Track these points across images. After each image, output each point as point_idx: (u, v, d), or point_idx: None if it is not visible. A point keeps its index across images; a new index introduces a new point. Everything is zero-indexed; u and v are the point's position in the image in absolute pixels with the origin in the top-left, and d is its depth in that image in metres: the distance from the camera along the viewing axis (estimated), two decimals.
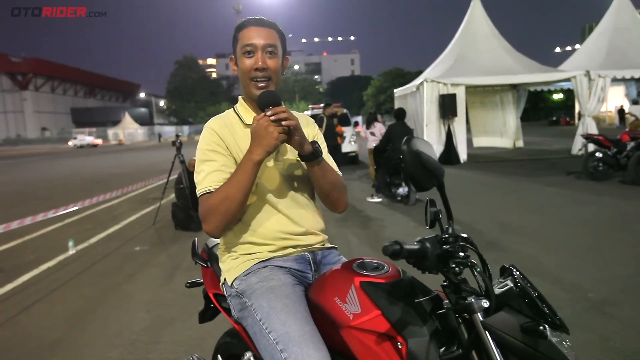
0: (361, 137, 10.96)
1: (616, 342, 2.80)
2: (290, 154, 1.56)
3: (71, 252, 5.52)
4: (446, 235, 1.20)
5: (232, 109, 1.63)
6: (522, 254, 4.67)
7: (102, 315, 3.65)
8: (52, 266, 5.03)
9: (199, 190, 1.44)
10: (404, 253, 1.14)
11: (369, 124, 10.22)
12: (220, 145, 1.49)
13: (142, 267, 4.85)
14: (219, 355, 1.87)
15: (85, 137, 48.92)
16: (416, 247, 1.16)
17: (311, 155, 1.42)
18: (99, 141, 49.52)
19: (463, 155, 13.46)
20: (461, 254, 1.16)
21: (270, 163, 1.52)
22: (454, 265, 1.15)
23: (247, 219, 1.52)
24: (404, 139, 1.22)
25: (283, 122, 1.32)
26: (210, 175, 1.44)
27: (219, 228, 1.40)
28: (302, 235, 1.54)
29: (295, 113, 1.61)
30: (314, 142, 1.44)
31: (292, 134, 1.35)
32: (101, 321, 3.52)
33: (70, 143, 48.65)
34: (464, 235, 1.21)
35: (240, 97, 1.65)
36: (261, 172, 1.49)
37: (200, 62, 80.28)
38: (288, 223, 1.52)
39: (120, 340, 3.17)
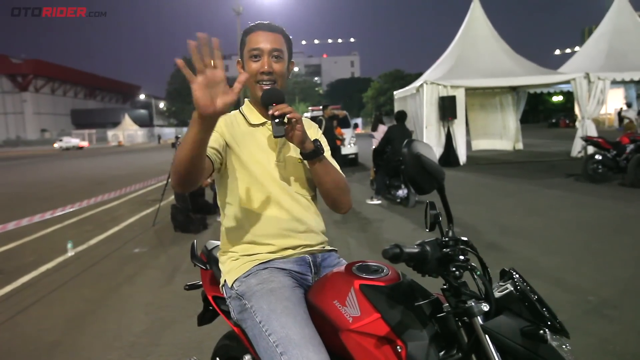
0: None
1: (616, 345, 2.80)
2: (293, 154, 1.57)
3: (70, 253, 5.51)
4: (446, 239, 1.19)
5: (237, 110, 1.66)
6: (522, 256, 4.67)
7: (101, 317, 3.64)
8: (51, 268, 5.02)
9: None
10: (404, 256, 1.14)
11: (374, 126, 10.25)
12: (217, 132, 1.51)
13: (141, 269, 4.84)
14: (217, 358, 1.87)
15: (70, 140, 48.97)
16: (416, 250, 1.16)
17: (313, 152, 1.44)
18: (85, 143, 49.60)
19: (463, 158, 13.46)
20: (461, 257, 1.16)
21: (272, 163, 1.55)
22: (454, 269, 1.14)
23: (248, 216, 1.53)
24: (405, 141, 1.22)
25: (288, 115, 1.34)
26: None
27: (179, 184, 1.33)
28: (302, 233, 1.55)
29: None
30: (316, 140, 1.46)
31: (294, 128, 1.36)
32: (100, 323, 3.52)
33: (55, 145, 48.71)
34: (464, 238, 1.21)
35: (246, 99, 1.68)
36: (263, 172, 1.52)
37: None
38: (289, 220, 1.53)
39: (119, 342, 3.16)
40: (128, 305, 3.85)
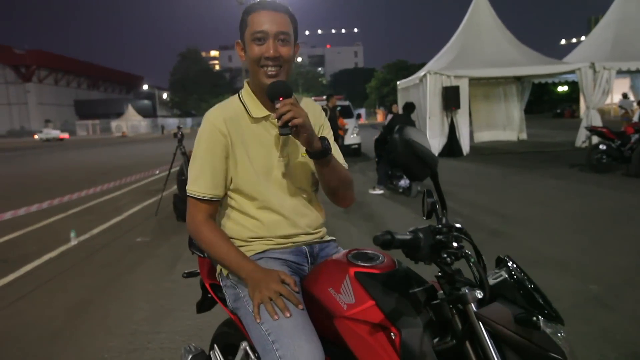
0: None
1: (617, 334, 2.80)
2: (297, 148, 1.49)
3: (73, 243, 5.54)
4: (439, 226, 1.18)
5: (237, 95, 1.53)
6: (525, 245, 4.66)
7: (103, 305, 3.67)
8: (54, 257, 5.05)
9: (189, 189, 1.45)
10: (396, 243, 1.13)
11: (387, 116, 10.35)
12: (220, 143, 1.42)
13: (143, 258, 4.87)
14: (215, 345, 1.87)
15: (50, 131, 49.32)
16: (408, 237, 1.15)
17: (320, 153, 1.35)
18: (65, 135, 49.83)
19: (466, 148, 13.41)
20: (455, 244, 1.15)
21: (275, 160, 1.47)
22: (445, 255, 1.13)
23: (245, 218, 1.49)
24: (396, 128, 1.21)
25: (289, 123, 1.26)
26: (202, 177, 1.43)
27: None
28: (301, 235, 1.52)
29: (303, 100, 1.56)
30: (323, 139, 1.36)
31: (299, 131, 1.29)
32: (102, 311, 3.54)
33: (36, 137, 48.94)
34: (458, 225, 1.20)
35: (246, 81, 1.54)
36: (264, 170, 1.45)
37: (203, 54, 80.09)
38: (289, 226, 1.49)
39: (121, 330, 3.19)
40: (130, 294, 3.87)
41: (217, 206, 1.50)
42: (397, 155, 1.18)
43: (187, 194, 1.46)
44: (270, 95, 1.32)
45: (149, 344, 2.96)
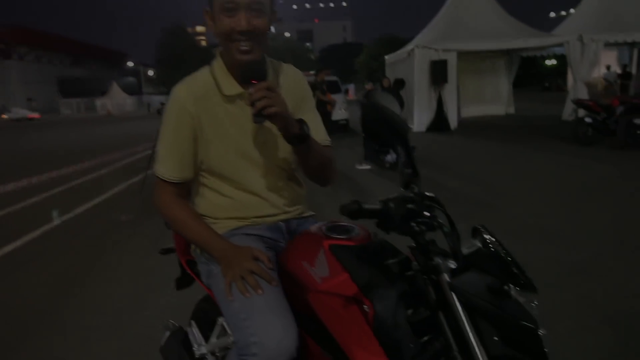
0: None
1: (596, 300, 2.85)
2: (273, 127, 1.37)
3: (56, 222, 5.47)
4: (411, 195, 1.15)
5: (207, 68, 1.40)
6: (510, 216, 4.72)
7: (88, 284, 3.64)
8: (36, 237, 4.99)
9: (156, 170, 1.39)
10: (363, 213, 1.09)
11: None
12: (187, 125, 1.33)
13: (127, 236, 4.82)
14: (193, 321, 1.86)
15: (19, 110, 48.54)
16: (377, 207, 1.12)
17: (297, 139, 1.27)
18: (36, 114, 48.82)
19: (454, 123, 13.39)
20: (427, 213, 1.12)
21: (249, 140, 1.37)
22: (414, 224, 1.11)
23: (222, 198, 1.43)
24: (365, 93, 1.17)
25: (263, 112, 1.17)
26: (169, 159, 1.37)
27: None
28: (279, 214, 1.47)
29: (284, 67, 1.47)
30: (302, 123, 1.27)
31: (274, 119, 1.21)
32: (87, 290, 3.52)
33: (5, 116, 47.97)
34: (430, 194, 1.17)
35: (218, 52, 1.39)
36: (238, 151, 1.37)
37: (189, 30, 78.42)
38: (266, 206, 1.43)
39: (106, 308, 3.17)
40: (114, 272, 3.85)
41: (186, 187, 1.43)
42: (366, 120, 1.14)
43: (155, 174, 1.40)
44: (242, 79, 1.24)
45: (133, 322, 2.95)
